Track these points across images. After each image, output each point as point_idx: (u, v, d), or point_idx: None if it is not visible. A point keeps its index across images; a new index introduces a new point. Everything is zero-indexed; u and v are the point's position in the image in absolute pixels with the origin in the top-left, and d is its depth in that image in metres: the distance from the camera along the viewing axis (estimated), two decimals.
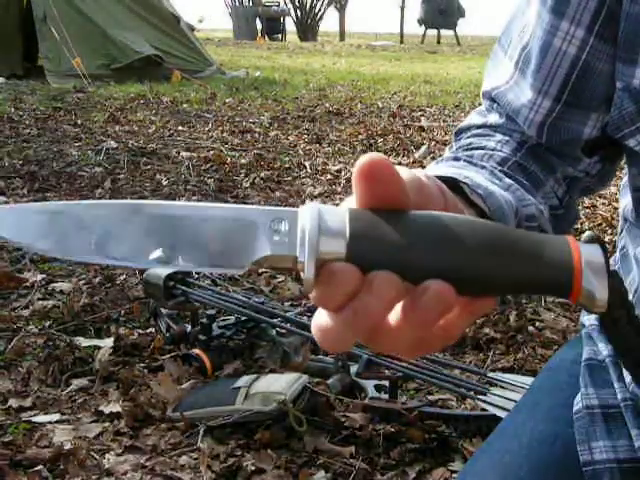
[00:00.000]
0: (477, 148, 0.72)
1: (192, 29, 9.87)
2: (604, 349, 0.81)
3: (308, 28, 26.30)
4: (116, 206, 0.45)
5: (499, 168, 0.68)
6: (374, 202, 0.43)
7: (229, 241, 0.44)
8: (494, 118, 0.77)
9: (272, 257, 0.43)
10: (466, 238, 0.44)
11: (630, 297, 0.46)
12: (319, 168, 4.48)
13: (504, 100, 0.75)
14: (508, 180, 0.66)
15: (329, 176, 4.29)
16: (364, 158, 0.42)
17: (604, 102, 0.70)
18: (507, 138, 0.74)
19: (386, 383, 1.85)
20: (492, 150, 0.71)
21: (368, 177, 0.43)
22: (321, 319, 0.44)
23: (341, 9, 28.64)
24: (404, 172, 0.46)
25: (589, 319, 0.87)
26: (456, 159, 0.69)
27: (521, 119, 0.74)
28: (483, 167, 0.67)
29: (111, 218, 0.44)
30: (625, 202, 0.79)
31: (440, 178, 0.56)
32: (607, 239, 3.21)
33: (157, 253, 0.43)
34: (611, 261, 0.90)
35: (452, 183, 0.57)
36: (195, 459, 1.66)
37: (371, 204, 0.43)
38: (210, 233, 0.44)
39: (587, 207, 3.73)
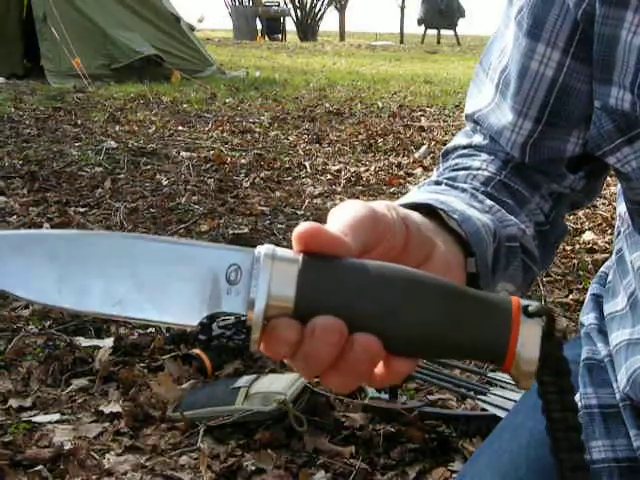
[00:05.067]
0: (462, 169, 0.73)
1: (192, 29, 9.86)
2: (603, 349, 0.82)
3: (308, 28, 26.29)
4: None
5: (482, 189, 0.69)
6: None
7: (183, 289, 0.46)
8: (478, 139, 0.78)
9: (225, 312, 0.46)
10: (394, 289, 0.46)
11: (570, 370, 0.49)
12: (319, 168, 4.48)
13: (486, 123, 0.76)
14: (489, 202, 0.67)
15: (329, 176, 4.30)
16: (300, 227, 0.46)
17: (584, 120, 0.71)
18: (492, 157, 0.75)
19: None
20: (477, 170, 0.72)
21: (306, 243, 0.46)
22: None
23: (341, 9, 28.62)
24: (357, 209, 0.49)
25: (588, 319, 0.87)
26: (437, 183, 0.70)
27: (503, 141, 0.75)
28: (464, 190, 0.68)
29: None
30: (623, 206, 0.79)
31: (417, 205, 0.58)
32: (607, 239, 3.21)
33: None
34: (608, 262, 0.90)
35: (429, 209, 0.59)
36: (195, 459, 1.66)
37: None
38: (164, 278, 0.46)
39: (587, 207, 3.73)
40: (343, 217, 0.49)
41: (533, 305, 0.47)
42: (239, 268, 0.46)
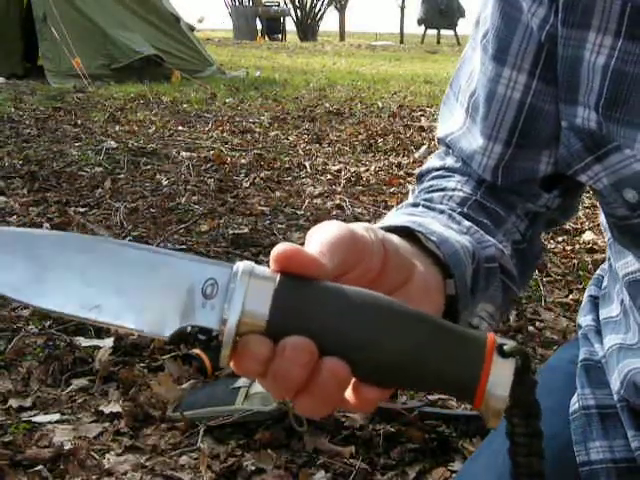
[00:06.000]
0: (437, 190, 0.73)
1: (192, 29, 9.86)
2: (600, 350, 0.82)
3: (308, 28, 26.30)
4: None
5: (459, 210, 0.70)
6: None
7: (159, 299, 0.46)
8: (451, 161, 0.78)
9: (198, 326, 0.46)
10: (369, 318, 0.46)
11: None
12: (319, 168, 4.48)
13: (457, 147, 0.77)
14: (467, 222, 0.67)
15: (329, 176, 4.30)
16: (278, 248, 0.46)
17: (554, 140, 0.71)
18: (466, 178, 0.76)
19: None
20: (452, 190, 0.73)
21: (283, 263, 0.46)
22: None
23: (341, 9, 28.63)
24: (335, 229, 0.49)
25: (585, 320, 0.87)
26: (415, 205, 0.70)
27: (475, 165, 0.75)
28: (442, 211, 0.68)
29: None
30: (603, 217, 0.80)
31: (395, 228, 0.58)
32: (607, 239, 3.21)
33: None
34: (603, 265, 0.90)
35: (407, 232, 0.59)
36: (195, 459, 1.66)
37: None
38: (141, 287, 0.46)
39: (587, 207, 3.73)
40: (321, 237, 0.49)
41: (508, 345, 0.46)
42: (216, 283, 0.46)
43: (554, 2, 0.65)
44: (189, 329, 0.46)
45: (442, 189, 0.73)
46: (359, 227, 0.52)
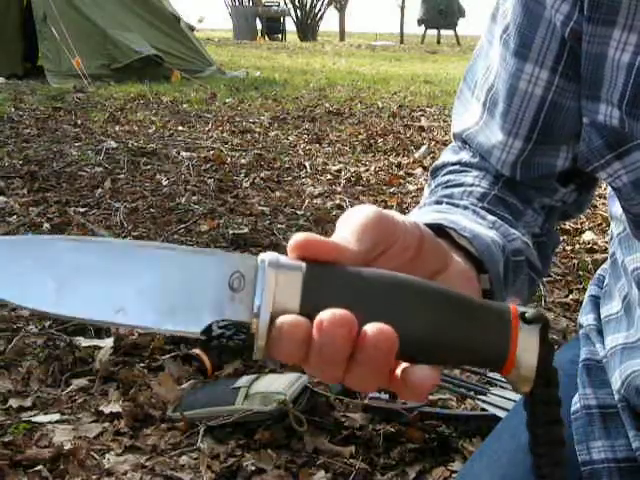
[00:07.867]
0: (455, 185, 0.73)
1: (192, 29, 9.87)
2: (601, 350, 0.82)
3: (308, 28, 26.30)
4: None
5: (480, 205, 0.69)
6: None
7: (186, 296, 0.45)
8: (467, 156, 0.78)
9: (228, 319, 0.45)
10: (406, 298, 0.47)
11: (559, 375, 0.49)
12: (319, 168, 4.48)
13: (475, 142, 0.76)
14: (491, 217, 0.67)
15: (329, 176, 4.30)
16: (294, 237, 0.46)
17: (574, 135, 0.71)
18: (483, 173, 0.75)
19: None
20: (470, 186, 0.72)
21: (301, 251, 0.46)
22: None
23: (341, 9, 28.65)
24: (364, 211, 0.49)
25: (587, 319, 0.87)
26: (438, 202, 0.70)
27: (494, 160, 0.74)
28: (466, 207, 0.68)
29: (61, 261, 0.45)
30: (617, 209, 0.79)
31: (426, 225, 0.57)
32: (607, 239, 3.21)
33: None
34: (605, 265, 0.90)
35: (438, 229, 0.59)
36: (195, 459, 1.66)
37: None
38: (167, 286, 0.45)
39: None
40: (349, 221, 0.49)
41: (530, 312, 0.48)
42: (242, 276, 0.46)
43: None
44: (219, 324, 0.45)
45: (460, 184, 0.73)
46: (390, 211, 0.51)
